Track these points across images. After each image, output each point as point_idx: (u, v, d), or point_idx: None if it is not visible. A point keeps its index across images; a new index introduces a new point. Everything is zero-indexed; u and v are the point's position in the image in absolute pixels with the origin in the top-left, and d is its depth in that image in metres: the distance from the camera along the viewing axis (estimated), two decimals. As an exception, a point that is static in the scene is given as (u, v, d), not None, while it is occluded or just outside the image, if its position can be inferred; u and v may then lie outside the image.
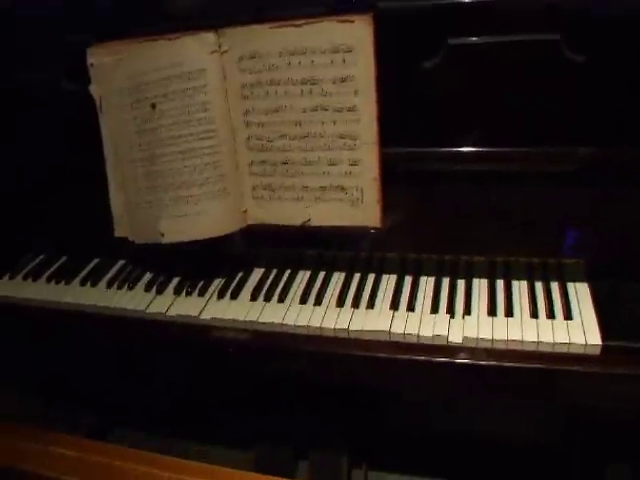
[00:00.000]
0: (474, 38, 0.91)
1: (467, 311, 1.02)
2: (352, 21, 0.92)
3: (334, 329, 1.03)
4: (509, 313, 1.00)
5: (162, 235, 1.10)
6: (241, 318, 1.08)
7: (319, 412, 1.46)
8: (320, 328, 1.03)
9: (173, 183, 1.07)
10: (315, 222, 1.06)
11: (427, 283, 1.10)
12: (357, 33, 0.93)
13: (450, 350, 0.97)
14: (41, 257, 1.37)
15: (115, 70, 1.07)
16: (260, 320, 1.07)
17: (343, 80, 0.96)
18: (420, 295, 1.07)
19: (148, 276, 1.24)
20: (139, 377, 1.51)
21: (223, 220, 1.08)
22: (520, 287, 1.06)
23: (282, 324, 1.05)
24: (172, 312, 1.13)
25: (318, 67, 0.97)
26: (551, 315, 0.99)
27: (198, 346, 1.11)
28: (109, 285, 1.23)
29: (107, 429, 1.72)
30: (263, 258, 1.21)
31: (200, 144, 1.04)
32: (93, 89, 1.10)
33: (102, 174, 1.18)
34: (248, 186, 1.08)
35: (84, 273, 1.28)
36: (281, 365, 1.07)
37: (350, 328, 1.02)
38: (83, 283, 1.25)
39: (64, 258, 1.35)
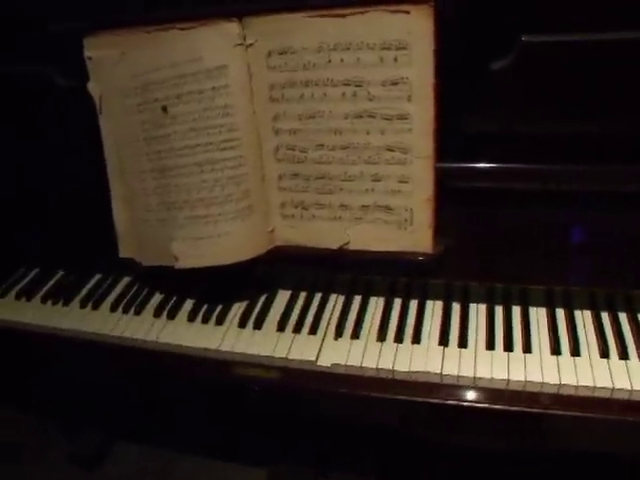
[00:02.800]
0: (553, 35, 0.76)
1: (527, 348, 0.89)
2: (407, 12, 0.77)
3: (376, 369, 0.90)
4: (575, 352, 0.88)
5: (176, 259, 0.96)
6: (267, 354, 0.94)
7: (342, 431, 1.35)
8: (361, 368, 0.91)
9: (189, 200, 0.92)
10: (355, 246, 0.92)
11: (478, 312, 0.97)
12: (413, 26, 0.77)
13: (511, 396, 0.85)
14: (35, 271, 1.22)
15: (118, 65, 0.91)
16: (290, 357, 0.93)
17: (394, 82, 0.81)
18: (472, 326, 0.95)
19: (157, 298, 1.10)
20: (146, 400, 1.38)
21: (247, 242, 0.94)
22: (584, 319, 0.94)
23: (317, 363, 0.92)
24: (187, 343, 0.99)
25: (365, 66, 0.81)
26: (624, 355, 0.87)
27: (217, 383, 0.98)
28: (113, 308, 1.09)
29: (110, 443, 1.60)
30: (289, 279, 1.07)
31: (221, 155, 0.89)
32: (92, 87, 0.94)
33: (101, 181, 1.03)
34: (276, 203, 0.94)
35: (84, 293, 1.14)
36: (314, 408, 0.95)
37: (395, 368, 0.89)
38: (83, 305, 1.11)
39: (60, 273, 1.20)
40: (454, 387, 0.86)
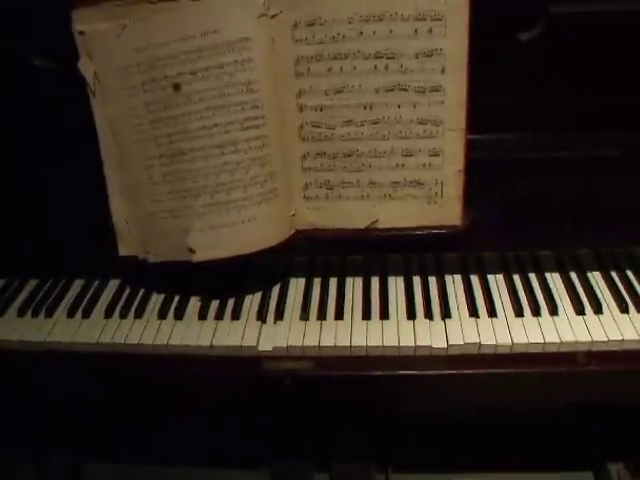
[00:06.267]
0: (583, 6, 0.79)
1: (554, 311, 0.93)
2: (444, -19, 0.76)
3: (414, 347, 0.89)
4: (598, 310, 0.93)
5: (192, 252, 0.88)
6: (297, 344, 0.90)
7: (339, 420, 1.32)
8: (398, 347, 0.89)
9: (207, 185, 0.85)
10: (383, 224, 0.90)
11: (497, 282, 1.00)
12: (449, -4, 0.76)
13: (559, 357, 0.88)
14: (1, 282, 1.07)
15: (116, 40, 0.81)
16: (323, 344, 0.90)
17: (428, 54, 0.80)
18: (496, 296, 0.96)
19: (157, 298, 1.01)
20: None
21: (272, 228, 0.88)
22: (596, 279, 0.99)
23: (351, 348, 0.89)
24: (204, 342, 0.92)
25: (398, 38, 0.79)
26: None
27: (245, 381, 0.92)
28: (108, 314, 0.98)
29: (82, 464, 1.45)
30: (302, 265, 1.02)
31: (244, 135, 0.83)
32: (83, 65, 0.83)
33: (82, 171, 0.92)
34: (299, 184, 0.89)
35: (68, 301, 1.01)
36: (349, 394, 0.92)
37: (435, 345, 0.88)
38: (71, 314, 0.99)
39: (33, 282, 1.06)
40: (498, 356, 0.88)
